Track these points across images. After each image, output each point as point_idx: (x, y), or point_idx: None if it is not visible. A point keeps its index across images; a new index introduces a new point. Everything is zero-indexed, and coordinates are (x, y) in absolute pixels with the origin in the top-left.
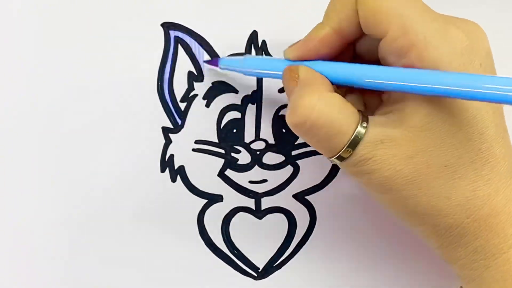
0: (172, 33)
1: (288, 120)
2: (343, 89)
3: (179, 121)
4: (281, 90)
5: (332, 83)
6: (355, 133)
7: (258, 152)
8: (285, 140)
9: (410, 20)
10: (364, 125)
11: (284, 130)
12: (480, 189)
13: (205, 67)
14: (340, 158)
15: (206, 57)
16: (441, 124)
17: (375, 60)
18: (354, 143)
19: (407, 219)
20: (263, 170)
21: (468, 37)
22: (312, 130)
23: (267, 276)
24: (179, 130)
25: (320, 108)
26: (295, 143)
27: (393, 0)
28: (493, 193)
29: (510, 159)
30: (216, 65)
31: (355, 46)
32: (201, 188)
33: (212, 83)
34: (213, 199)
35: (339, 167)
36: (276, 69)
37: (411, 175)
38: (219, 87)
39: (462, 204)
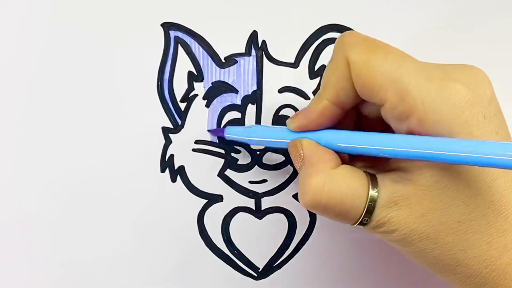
0: (172, 33)
1: (301, 202)
2: None
3: (179, 121)
4: (281, 90)
5: (337, 152)
6: (368, 201)
7: (258, 152)
8: None
9: (406, 85)
10: (375, 190)
11: None
12: (495, 241)
13: (205, 67)
14: (362, 225)
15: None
16: (448, 183)
17: (381, 119)
18: (369, 210)
19: (428, 268)
20: (263, 170)
21: (469, 89)
22: (327, 210)
23: (267, 276)
24: (179, 130)
25: (328, 189)
26: None
27: (386, 66)
28: (510, 243)
29: None
30: (222, 134)
31: (359, 108)
32: (201, 188)
33: (212, 83)
34: (213, 199)
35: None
36: (280, 138)
37: (426, 232)
38: (219, 87)
39: (479, 256)
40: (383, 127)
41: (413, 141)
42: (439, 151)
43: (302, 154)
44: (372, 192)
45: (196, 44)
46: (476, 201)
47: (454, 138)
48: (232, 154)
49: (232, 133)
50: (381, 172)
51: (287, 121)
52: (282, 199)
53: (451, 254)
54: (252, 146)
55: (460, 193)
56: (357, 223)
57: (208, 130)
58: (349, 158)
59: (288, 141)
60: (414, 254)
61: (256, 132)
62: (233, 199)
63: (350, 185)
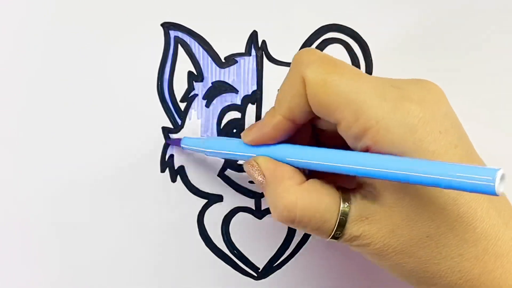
0: (172, 33)
1: (274, 219)
2: None
3: (179, 121)
4: None
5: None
6: (339, 216)
7: None
8: None
9: (361, 105)
10: (347, 204)
11: None
12: (467, 252)
13: (205, 67)
14: (335, 238)
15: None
16: (411, 199)
17: (337, 133)
18: (341, 224)
19: (406, 280)
20: None
21: (422, 107)
22: (300, 225)
23: (267, 276)
24: (179, 130)
25: (301, 205)
26: None
27: (342, 87)
28: (481, 253)
29: (495, 213)
30: (178, 144)
31: (315, 122)
32: (201, 188)
33: (212, 83)
34: (213, 199)
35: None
36: (236, 151)
37: (399, 246)
38: (219, 87)
39: (452, 267)
40: (340, 140)
41: (367, 158)
42: (390, 170)
43: (261, 172)
44: (343, 206)
45: (196, 44)
46: (442, 215)
47: (407, 158)
48: None
49: (189, 143)
50: (355, 188)
51: (242, 134)
52: None
53: (425, 267)
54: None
55: (425, 209)
56: (330, 236)
57: (167, 140)
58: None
59: (245, 154)
60: (390, 268)
61: (213, 144)
62: (233, 199)
63: (322, 199)
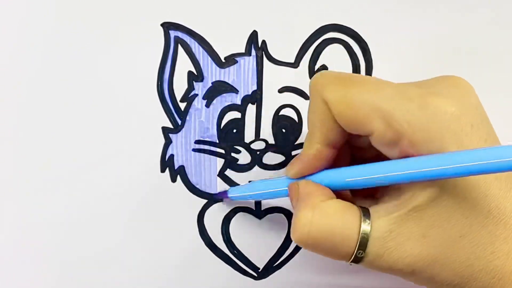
0: (172, 33)
1: (292, 238)
2: None
3: (179, 121)
4: (281, 90)
5: (338, 190)
6: (360, 234)
7: (258, 152)
8: (285, 140)
9: (389, 111)
10: (368, 221)
11: (284, 130)
12: (498, 250)
13: (205, 67)
14: (356, 260)
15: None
16: (446, 198)
17: (374, 151)
18: (363, 244)
19: None
20: (263, 170)
21: (452, 101)
22: (317, 245)
23: (267, 276)
24: (179, 130)
25: (316, 221)
26: (295, 143)
27: (364, 98)
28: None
29: None
30: (226, 196)
31: (351, 141)
32: (201, 188)
33: (212, 83)
34: (213, 199)
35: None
36: (281, 187)
37: (429, 255)
38: (219, 87)
39: (485, 267)
40: (379, 153)
41: (408, 164)
42: (435, 168)
43: (297, 193)
44: (364, 225)
45: (196, 44)
46: (475, 212)
47: (448, 153)
48: (232, 154)
49: (235, 192)
50: (375, 205)
51: (285, 170)
52: (282, 199)
53: (459, 273)
54: (252, 146)
55: (458, 206)
56: (352, 258)
57: (214, 195)
58: (352, 199)
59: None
60: (420, 281)
61: (257, 187)
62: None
63: (340, 217)
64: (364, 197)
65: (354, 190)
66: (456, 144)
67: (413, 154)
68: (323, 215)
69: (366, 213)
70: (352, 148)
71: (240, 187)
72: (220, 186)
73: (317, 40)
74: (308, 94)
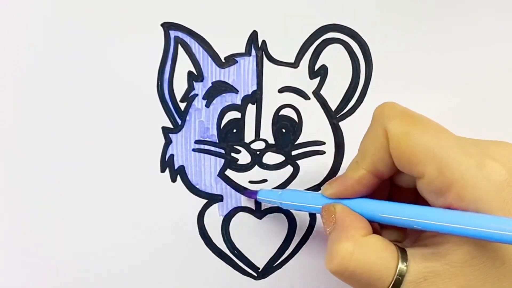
0: (172, 33)
1: (327, 267)
2: None
3: (179, 121)
4: (281, 90)
5: (370, 221)
6: (396, 274)
7: (258, 152)
8: (285, 140)
9: (445, 160)
10: (405, 263)
11: (284, 130)
12: None
13: (205, 67)
14: None
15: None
16: (484, 260)
17: (413, 190)
18: (397, 284)
19: None
20: (263, 170)
21: (506, 168)
22: (352, 278)
23: (267, 276)
24: (179, 130)
25: (357, 256)
26: (295, 143)
27: (425, 140)
28: None
29: None
30: (255, 197)
31: (393, 177)
32: (201, 188)
33: (212, 83)
34: (213, 199)
35: None
36: (313, 203)
37: None
38: (219, 87)
39: None
40: (415, 198)
41: (452, 215)
42: (479, 228)
43: (334, 218)
44: (401, 266)
45: (196, 44)
46: (510, 278)
47: (495, 216)
48: (232, 154)
49: (265, 195)
50: (411, 246)
51: (323, 187)
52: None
53: None
54: (252, 146)
55: (495, 270)
56: None
57: (243, 193)
58: (380, 229)
59: (321, 206)
60: None
61: (289, 196)
62: (233, 199)
63: (380, 255)
64: (393, 227)
65: None
66: (504, 211)
67: (458, 207)
68: (364, 251)
69: (404, 254)
70: (393, 184)
71: (272, 192)
72: (220, 186)
73: (317, 40)
74: (308, 94)
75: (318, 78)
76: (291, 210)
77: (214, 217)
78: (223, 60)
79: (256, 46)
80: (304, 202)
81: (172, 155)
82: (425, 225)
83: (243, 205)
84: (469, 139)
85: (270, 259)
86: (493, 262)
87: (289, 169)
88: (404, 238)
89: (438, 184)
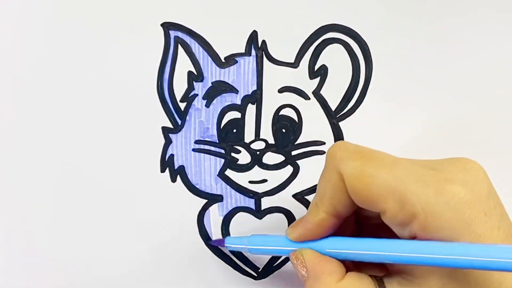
0: (172, 33)
1: None
2: None
3: (179, 121)
4: (281, 90)
5: (341, 260)
6: None
7: (258, 152)
8: (285, 140)
9: (404, 193)
10: None
11: (284, 130)
12: None
13: (205, 67)
14: None
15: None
16: (457, 285)
17: (381, 221)
18: None
19: None
20: (263, 170)
21: (466, 189)
22: None
23: (267, 276)
24: (179, 130)
25: None
26: (295, 143)
27: (381, 176)
28: None
29: None
30: (223, 244)
31: (358, 212)
32: (201, 188)
33: (212, 83)
34: (213, 199)
35: None
36: (280, 246)
37: None
38: (219, 87)
39: None
40: (385, 227)
41: (417, 246)
42: (444, 256)
43: (305, 266)
44: None
45: (196, 44)
46: None
47: (458, 242)
48: (232, 154)
49: (232, 242)
50: (388, 275)
51: (287, 231)
52: (282, 199)
53: None
54: (252, 146)
55: None
56: None
57: (209, 243)
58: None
59: (289, 248)
60: None
61: (256, 241)
62: (233, 199)
63: None
64: (374, 264)
65: None
66: (469, 233)
67: (424, 237)
68: None
69: (381, 285)
70: (359, 215)
71: (239, 238)
72: (220, 186)
73: (317, 40)
74: (308, 94)
75: (318, 78)
76: (291, 210)
77: (214, 217)
78: (223, 60)
79: (256, 46)
80: (271, 245)
81: (172, 155)
82: (392, 258)
83: (243, 205)
84: (425, 162)
85: (270, 259)
86: (467, 285)
87: (289, 169)
88: (380, 268)
89: (401, 217)
